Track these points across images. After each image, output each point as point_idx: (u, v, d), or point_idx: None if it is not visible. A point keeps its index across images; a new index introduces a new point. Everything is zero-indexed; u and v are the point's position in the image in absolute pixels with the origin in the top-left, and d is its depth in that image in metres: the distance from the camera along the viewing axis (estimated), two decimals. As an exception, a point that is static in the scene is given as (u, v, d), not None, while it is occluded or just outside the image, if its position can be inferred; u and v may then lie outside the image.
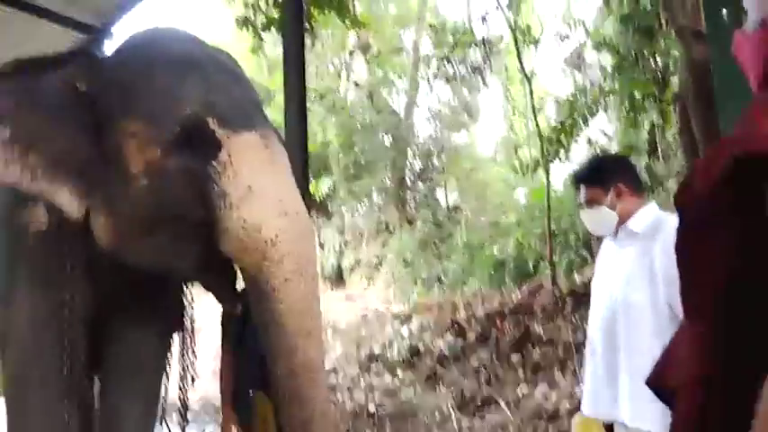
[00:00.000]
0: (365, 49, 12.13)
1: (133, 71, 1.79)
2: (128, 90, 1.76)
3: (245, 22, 6.18)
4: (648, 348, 1.75)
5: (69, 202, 1.76)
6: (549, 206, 6.63)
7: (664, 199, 5.54)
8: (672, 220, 2.00)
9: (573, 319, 5.47)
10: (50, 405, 1.98)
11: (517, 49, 7.36)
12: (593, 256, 5.85)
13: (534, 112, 7.09)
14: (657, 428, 1.73)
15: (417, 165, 12.87)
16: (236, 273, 1.86)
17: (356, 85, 12.08)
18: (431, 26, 10.15)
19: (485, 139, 14.88)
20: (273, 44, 11.25)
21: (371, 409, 5.60)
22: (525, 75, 7.37)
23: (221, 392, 2.46)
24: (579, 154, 6.93)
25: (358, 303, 10.36)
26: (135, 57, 1.86)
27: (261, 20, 6.11)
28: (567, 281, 6.48)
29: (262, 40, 6.82)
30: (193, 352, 2.39)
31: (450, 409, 5.08)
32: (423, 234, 10.84)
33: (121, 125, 1.72)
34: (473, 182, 12.63)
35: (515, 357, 5.44)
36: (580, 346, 4.84)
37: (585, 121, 6.16)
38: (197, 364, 2.42)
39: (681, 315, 0.77)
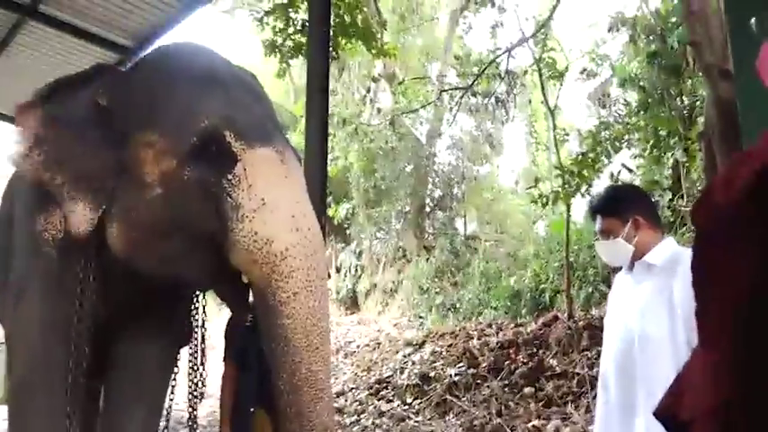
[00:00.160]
0: (390, 78, 12.30)
1: (154, 84, 1.84)
2: (148, 103, 1.80)
3: (272, 47, 6.29)
4: (665, 384, 1.70)
5: (81, 217, 1.80)
6: (568, 239, 6.57)
7: (688, 239, 5.45)
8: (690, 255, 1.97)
9: (588, 354, 5.36)
10: (54, 411, 1.99)
11: (541, 82, 7.41)
12: (611, 291, 5.74)
13: (557, 144, 7.09)
14: None
15: (437, 193, 12.90)
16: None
17: (378, 111, 12.21)
18: (456, 57, 10.26)
19: (506, 171, 14.87)
20: (300, 70, 11.52)
21: (379, 434, 5.52)
22: (549, 107, 7.39)
23: (221, 407, 2.42)
24: (601, 189, 6.87)
25: (371, 328, 10.30)
26: (157, 70, 1.92)
27: (288, 45, 6.22)
28: (584, 315, 6.38)
29: (288, 65, 6.95)
30: (204, 367, 2.39)
31: (459, 439, 4.98)
32: (440, 262, 10.80)
33: (140, 136, 1.76)
34: (493, 212, 12.61)
35: (528, 389, 5.33)
36: (595, 381, 4.73)
37: (609, 156, 6.13)
38: (207, 380, 2.42)
39: None
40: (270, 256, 1.61)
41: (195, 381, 2.36)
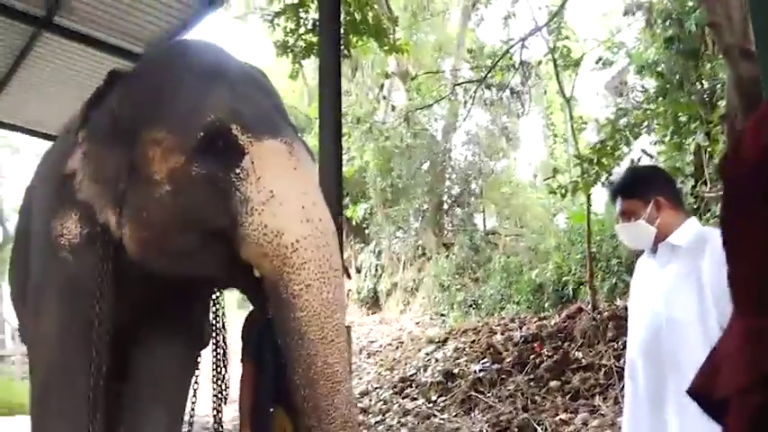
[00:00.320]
0: (404, 76, 12.26)
1: (160, 82, 1.84)
2: (154, 100, 1.80)
3: (284, 48, 6.28)
4: (696, 370, 1.63)
5: (114, 222, 1.83)
6: (589, 230, 6.46)
7: (713, 225, 5.33)
8: (717, 234, 1.88)
9: (614, 345, 5.27)
10: (76, 415, 1.99)
11: (556, 71, 7.31)
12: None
13: (574, 133, 6.99)
14: None
15: (455, 189, 12.83)
16: None
17: (393, 109, 12.18)
18: (469, 51, 10.19)
19: (524, 165, 14.72)
20: (314, 72, 11.53)
21: (404, 432, 5.48)
22: (564, 96, 7.29)
23: (240, 409, 2.39)
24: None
25: (393, 327, 10.28)
26: (162, 67, 1.92)
27: (300, 45, 6.21)
28: (609, 306, 6.27)
29: (301, 66, 6.93)
30: (227, 369, 2.37)
31: (486, 435, 4.92)
32: (460, 258, 10.74)
33: (147, 134, 1.76)
34: (512, 207, 12.50)
35: (554, 383, 5.25)
36: (623, 372, 4.64)
37: (628, 143, 6.00)
38: (230, 382, 2.39)
39: None
40: (280, 248, 1.58)
41: (219, 383, 2.34)
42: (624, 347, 4.83)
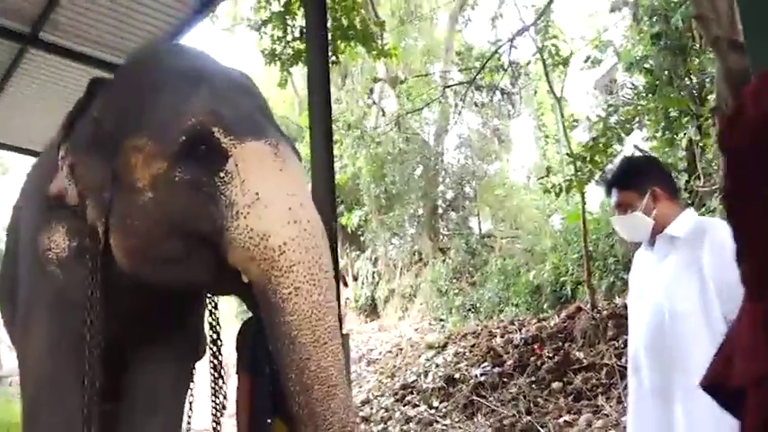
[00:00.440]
0: (393, 81, 12.26)
1: (140, 88, 1.80)
2: (134, 107, 1.76)
3: (272, 56, 6.24)
4: (703, 364, 1.58)
5: (102, 233, 1.80)
6: (585, 229, 6.44)
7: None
8: (716, 224, 1.86)
9: (615, 343, 5.23)
10: (66, 431, 1.94)
11: (545, 69, 7.32)
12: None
13: (566, 132, 6.99)
14: None
15: (449, 194, 12.82)
16: None
17: (383, 114, 12.18)
18: (457, 53, 10.19)
19: (517, 167, 14.73)
20: (304, 82, 11.53)
21: (407, 440, 5.42)
22: (554, 95, 7.29)
23: (237, 422, 2.30)
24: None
25: (392, 334, 10.22)
26: (141, 73, 1.88)
27: (287, 53, 6.18)
28: (608, 304, 6.24)
29: (290, 73, 6.89)
30: (224, 381, 2.32)
31: (489, 440, 4.87)
32: (456, 263, 10.71)
33: (128, 142, 1.72)
34: (506, 209, 12.50)
35: (556, 384, 5.20)
36: (625, 371, 4.60)
37: (620, 140, 6.00)
38: (228, 395, 2.34)
39: None
40: (267, 251, 1.53)
41: (217, 395, 2.29)
42: (625, 346, 4.80)
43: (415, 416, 5.85)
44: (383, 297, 12.26)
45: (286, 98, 14.31)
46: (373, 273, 12.75)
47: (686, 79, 6.75)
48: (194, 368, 2.42)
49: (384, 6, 11.66)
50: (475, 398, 5.63)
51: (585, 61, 8.67)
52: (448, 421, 5.49)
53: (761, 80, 0.64)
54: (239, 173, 1.59)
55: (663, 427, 1.78)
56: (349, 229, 12.71)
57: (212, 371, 2.32)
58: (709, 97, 6.28)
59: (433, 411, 5.82)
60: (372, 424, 6.04)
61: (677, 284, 1.80)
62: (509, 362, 5.97)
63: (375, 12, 8.24)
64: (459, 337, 7.54)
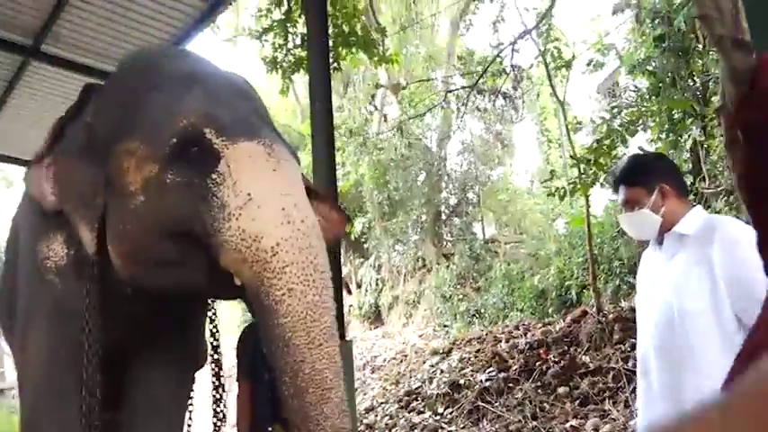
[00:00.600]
0: (395, 88, 12.27)
1: (132, 91, 1.78)
2: (126, 110, 1.75)
3: (273, 64, 6.24)
4: (715, 364, 1.52)
5: (89, 239, 1.77)
6: (590, 232, 6.40)
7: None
8: (727, 221, 1.83)
9: (622, 347, 5.18)
10: None
11: (548, 73, 7.30)
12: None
13: (569, 134, 6.96)
14: None
15: (452, 199, 12.79)
16: None
17: (385, 120, 12.17)
18: (459, 58, 10.19)
19: (520, 171, 14.72)
20: (305, 90, 11.52)
21: (412, 447, 5.37)
22: (557, 98, 7.27)
23: (238, 429, 2.30)
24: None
25: (396, 340, 10.18)
26: (135, 77, 1.86)
27: (289, 60, 6.18)
28: (614, 308, 6.19)
29: (291, 81, 6.88)
30: (224, 388, 2.29)
31: (496, 446, 4.82)
32: (460, 268, 10.67)
33: (120, 145, 1.70)
34: (510, 214, 12.46)
35: (562, 389, 5.15)
36: (632, 375, 4.55)
37: (624, 141, 5.95)
38: (228, 401, 2.33)
39: (751, 323, 0.61)
40: (260, 252, 1.50)
41: (218, 404, 2.27)
42: (632, 349, 4.74)
43: (420, 422, 5.80)
44: (387, 304, 12.22)
45: (288, 106, 14.35)
46: (377, 279, 12.72)
47: (690, 81, 6.72)
48: (194, 376, 2.40)
49: (385, 14, 11.68)
50: (480, 404, 5.58)
51: (588, 65, 8.65)
52: (453, 428, 5.45)
53: None
54: (231, 174, 1.57)
55: None
56: (352, 236, 12.68)
57: (213, 379, 2.30)
58: (713, 98, 6.25)
59: (438, 418, 5.77)
60: (377, 431, 6.00)
61: (687, 283, 1.76)
62: (514, 367, 5.92)
63: (376, 18, 8.25)
64: (464, 343, 7.49)
